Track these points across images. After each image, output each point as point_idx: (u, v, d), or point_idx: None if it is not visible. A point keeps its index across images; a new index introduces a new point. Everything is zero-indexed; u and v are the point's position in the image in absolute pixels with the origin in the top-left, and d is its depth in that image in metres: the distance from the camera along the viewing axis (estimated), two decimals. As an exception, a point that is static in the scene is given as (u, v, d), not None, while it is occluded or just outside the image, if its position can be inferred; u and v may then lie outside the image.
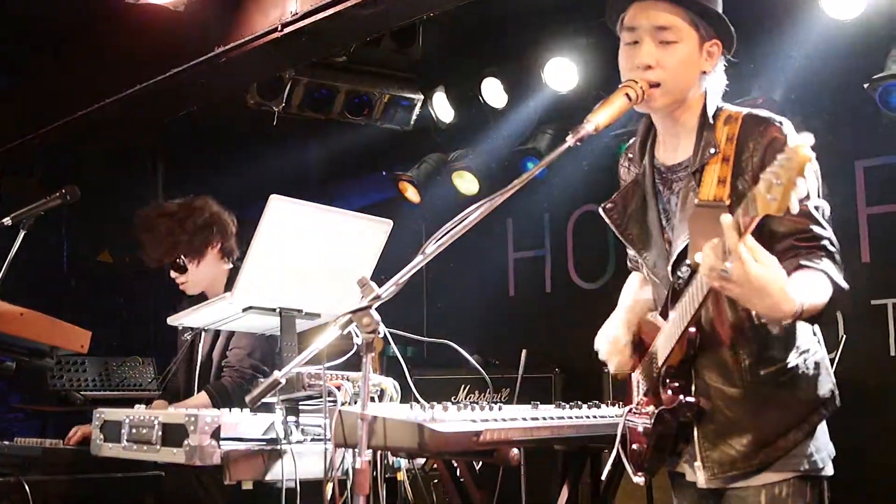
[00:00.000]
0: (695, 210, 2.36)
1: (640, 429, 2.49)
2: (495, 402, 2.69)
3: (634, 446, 2.51)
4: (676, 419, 2.40)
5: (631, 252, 2.82)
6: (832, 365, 2.50)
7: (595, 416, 2.82)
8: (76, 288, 7.54)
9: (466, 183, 6.83)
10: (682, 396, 2.38)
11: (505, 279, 7.32)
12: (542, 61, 5.76)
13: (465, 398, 5.82)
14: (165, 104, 5.91)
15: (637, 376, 2.62)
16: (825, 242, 2.31)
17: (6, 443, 3.97)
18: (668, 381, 2.41)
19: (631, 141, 2.78)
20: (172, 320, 3.61)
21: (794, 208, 1.88)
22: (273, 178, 6.71)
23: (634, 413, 2.57)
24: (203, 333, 4.08)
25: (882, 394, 5.05)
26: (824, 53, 4.93)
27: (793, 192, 1.85)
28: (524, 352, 5.39)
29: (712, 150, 2.40)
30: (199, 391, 3.94)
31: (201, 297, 4.11)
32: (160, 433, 2.99)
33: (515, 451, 2.41)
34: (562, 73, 5.75)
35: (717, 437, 2.38)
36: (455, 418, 2.45)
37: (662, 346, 2.45)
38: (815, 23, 4.78)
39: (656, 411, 2.43)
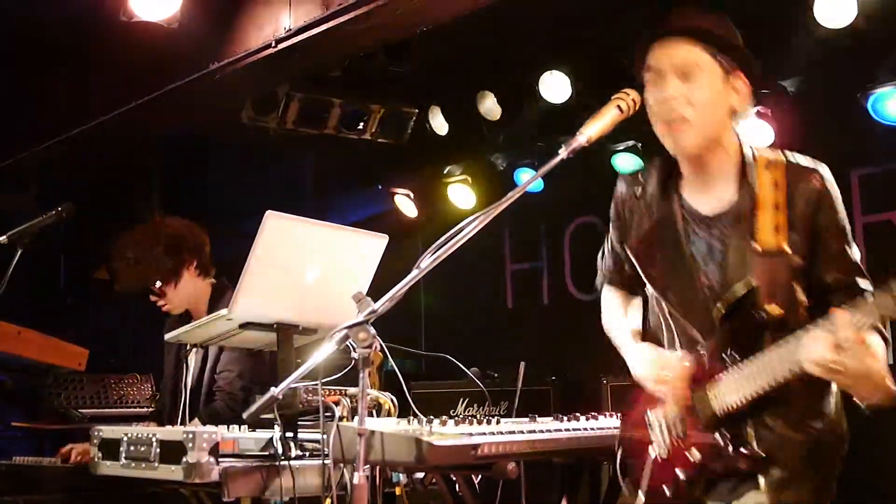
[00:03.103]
0: (757, 258, 2.38)
1: (682, 476, 2.43)
2: (493, 415, 2.69)
3: (665, 487, 2.45)
4: (735, 465, 2.38)
5: (610, 262, 2.78)
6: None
7: (593, 429, 2.82)
8: (73, 305, 7.53)
9: (462, 196, 6.85)
10: (743, 448, 2.37)
11: (502, 292, 7.31)
12: (537, 74, 5.78)
13: (464, 411, 5.81)
14: (160, 120, 5.93)
15: (660, 415, 2.53)
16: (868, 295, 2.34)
17: (4, 462, 3.95)
18: (725, 426, 2.39)
19: (634, 170, 2.76)
20: (170, 337, 3.60)
21: None
22: (268, 193, 6.74)
23: (669, 453, 2.49)
24: (189, 354, 4.01)
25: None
26: (817, 62, 4.95)
27: None
28: (522, 364, 5.38)
29: (756, 193, 2.42)
30: (188, 412, 3.89)
31: (186, 316, 4.10)
32: (158, 450, 2.98)
33: (513, 464, 2.41)
34: (556, 85, 5.76)
35: (782, 485, 2.37)
36: (453, 432, 2.45)
37: (727, 392, 2.38)
38: (808, 32, 4.80)
39: (701, 456, 2.40)
